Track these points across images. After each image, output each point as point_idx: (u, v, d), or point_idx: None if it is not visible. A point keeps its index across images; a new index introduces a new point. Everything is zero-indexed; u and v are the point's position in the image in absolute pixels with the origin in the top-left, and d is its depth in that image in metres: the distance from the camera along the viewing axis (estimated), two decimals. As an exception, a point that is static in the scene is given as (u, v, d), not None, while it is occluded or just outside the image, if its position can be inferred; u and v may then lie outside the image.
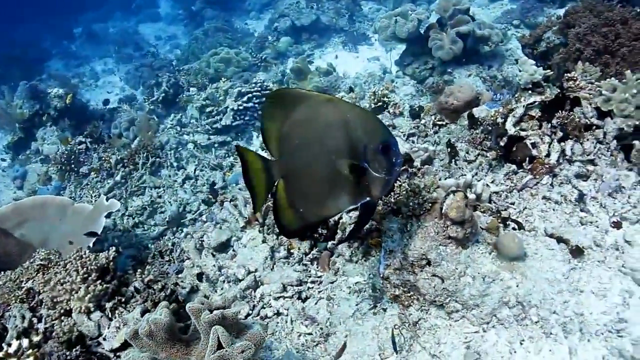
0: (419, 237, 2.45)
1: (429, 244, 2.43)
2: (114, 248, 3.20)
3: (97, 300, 2.84)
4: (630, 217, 2.69)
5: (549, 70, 3.50)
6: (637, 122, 3.02)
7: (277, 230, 3.60)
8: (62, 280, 2.88)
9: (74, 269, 2.94)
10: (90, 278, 2.93)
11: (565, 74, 3.42)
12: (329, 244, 3.35)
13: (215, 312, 2.20)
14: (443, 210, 2.36)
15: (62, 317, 2.80)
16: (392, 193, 2.72)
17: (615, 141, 3.07)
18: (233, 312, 2.27)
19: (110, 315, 2.82)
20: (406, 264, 2.52)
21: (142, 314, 2.70)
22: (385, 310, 2.80)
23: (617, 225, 2.70)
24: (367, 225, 2.96)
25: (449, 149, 3.59)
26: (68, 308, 2.81)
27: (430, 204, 2.49)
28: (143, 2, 17.04)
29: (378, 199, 2.05)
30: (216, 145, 6.74)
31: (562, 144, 3.11)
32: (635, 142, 3.05)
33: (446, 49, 6.10)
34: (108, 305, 2.85)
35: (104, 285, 2.91)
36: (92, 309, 2.80)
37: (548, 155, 3.09)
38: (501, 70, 6.05)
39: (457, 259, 2.40)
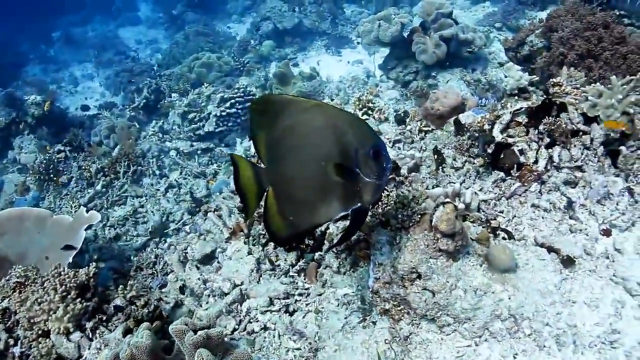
0: (408, 250, 2.40)
1: (419, 257, 2.37)
2: (94, 264, 3.10)
3: (77, 320, 2.74)
4: (620, 224, 2.67)
5: (534, 76, 3.49)
6: (623, 128, 3.01)
7: (263, 242, 3.53)
8: (39, 300, 2.77)
9: (52, 287, 2.83)
10: (69, 296, 2.83)
11: (551, 79, 3.41)
12: (316, 254, 3.29)
13: (199, 333, 2.12)
14: (433, 223, 2.31)
15: (40, 339, 2.69)
16: (380, 203, 2.66)
17: (602, 147, 3.05)
18: (218, 331, 2.20)
19: (90, 336, 2.72)
20: (396, 277, 2.46)
21: (124, 333, 2.60)
22: (374, 323, 2.74)
23: (607, 232, 2.68)
24: (356, 234, 2.91)
25: (435, 156, 3.55)
26: (46, 329, 2.70)
27: (419, 216, 2.44)
28: (123, 6, 16.82)
29: (369, 204, 2.02)
30: (199, 152, 6.64)
31: (550, 150, 3.08)
32: (622, 147, 3.04)
33: (430, 53, 6.09)
34: (88, 325, 2.75)
35: (84, 304, 2.81)
36: (71, 330, 2.69)
37: (536, 162, 3.06)
38: (485, 73, 6.05)
39: (448, 272, 2.35)
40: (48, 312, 2.72)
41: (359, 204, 1.96)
